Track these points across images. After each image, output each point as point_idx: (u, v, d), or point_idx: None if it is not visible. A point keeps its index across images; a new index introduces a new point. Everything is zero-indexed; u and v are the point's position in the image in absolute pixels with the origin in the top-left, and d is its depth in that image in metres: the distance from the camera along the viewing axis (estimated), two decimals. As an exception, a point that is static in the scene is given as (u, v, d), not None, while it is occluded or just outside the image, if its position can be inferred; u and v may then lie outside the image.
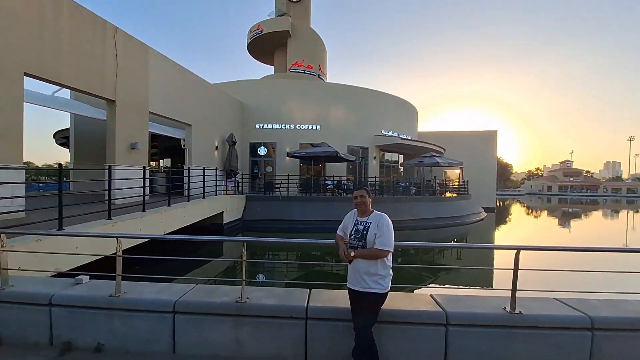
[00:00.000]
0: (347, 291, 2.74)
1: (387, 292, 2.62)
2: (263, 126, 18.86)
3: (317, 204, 15.13)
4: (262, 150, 19.13)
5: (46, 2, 7.11)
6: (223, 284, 3.74)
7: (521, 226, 23.25)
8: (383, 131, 21.04)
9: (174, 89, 12.00)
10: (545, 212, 34.72)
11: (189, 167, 11.32)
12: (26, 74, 6.68)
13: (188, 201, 9.85)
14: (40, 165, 16.00)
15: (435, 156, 19.53)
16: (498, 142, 29.01)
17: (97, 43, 8.43)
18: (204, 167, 11.37)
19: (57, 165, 5.43)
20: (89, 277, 3.48)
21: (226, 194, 13.83)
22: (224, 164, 15.62)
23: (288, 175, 16.09)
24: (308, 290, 3.20)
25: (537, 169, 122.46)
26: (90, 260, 4.95)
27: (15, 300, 3.07)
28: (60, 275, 4.41)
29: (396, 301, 2.92)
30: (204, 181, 11.01)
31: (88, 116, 11.53)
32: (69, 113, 13.22)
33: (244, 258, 3.09)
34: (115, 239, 3.20)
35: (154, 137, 15.80)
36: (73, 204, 6.17)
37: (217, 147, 15.42)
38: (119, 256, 3.12)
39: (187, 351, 2.92)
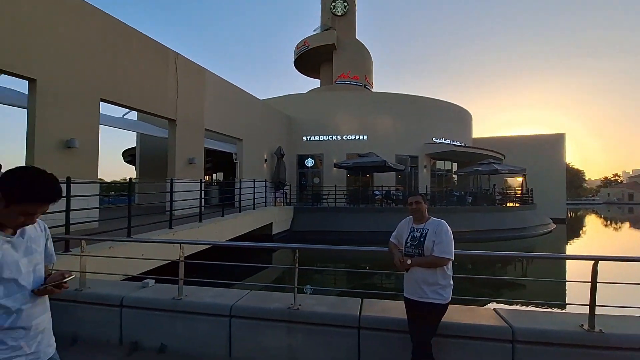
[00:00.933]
0: (400, 302, 2.61)
1: (448, 304, 2.45)
2: (310, 138, 19.24)
3: (365, 214, 14.90)
4: (309, 162, 19.47)
5: (119, 35, 8.06)
6: (275, 291, 3.78)
7: (599, 239, 20.61)
8: (434, 139, 20.26)
9: (226, 106, 12.81)
10: (627, 224, 30.30)
11: (240, 180, 11.87)
12: (102, 100, 7.57)
13: (239, 212, 10.29)
14: (108, 181, 17.96)
15: (493, 163, 18.22)
16: (566, 146, 26.33)
17: (160, 68, 9.33)
18: (254, 180, 11.85)
19: (124, 181, 6.02)
20: (154, 281, 3.75)
21: (275, 205, 14.22)
22: (273, 176, 16.13)
23: (335, 186, 16.12)
24: (360, 299, 3.11)
25: (615, 175, 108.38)
26: (154, 266, 5.37)
27: (91, 301, 3.38)
28: (128, 279, 4.81)
29: (456, 314, 2.71)
30: (254, 193, 11.46)
31: (152, 135, 12.71)
32: (135, 133, 14.70)
33: (296, 265, 3.11)
34: (178, 245, 3.42)
35: (208, 152, 16.88)
36: (139, 214, 6.77)
37: (266, 160, 16.02)
38: (182, 261, 3.32)
39: (242, 355, 2.98)
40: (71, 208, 4.75)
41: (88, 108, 7.19)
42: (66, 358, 2.99)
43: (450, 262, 2.44)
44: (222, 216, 9.08)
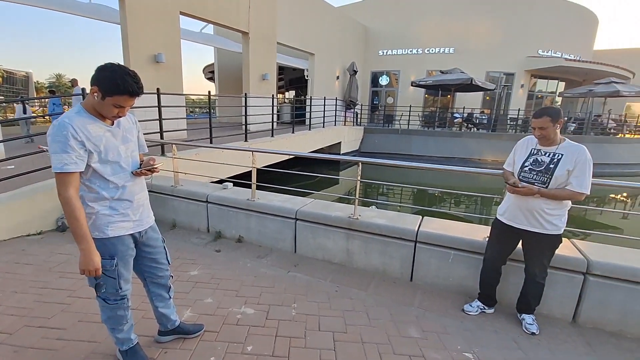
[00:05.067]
0: (460, 222, 2.52)
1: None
2: (387, 52, 17.60)
3: (440, 139, 13.95)
4: (384, 80, 18.22)
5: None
6: (337, 202, 3.99)
7: None
8: (540, 51, 16.69)
9: (298, 18, 12.18)
10: None
11: (310, 97, 11.82)
12: (181, 13, 7.77)
13: (309, 130, 10.50)
14: (194, 99, 19.51)
15: (616, 82, 14.50)
16: None
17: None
18: (324, 97, 11.68)
19: (206, 96, 6.48)
20: (232, 184, 4.23)
21: (344, 125, 14.11)
22: (344, 95, 15.66)
23: (410, 106, 15.07)
24: (420, 217, 3.12)
25: None
26: (233, 173, 6.04)
27: (183, 196, 4.01)
28: (213, 182, 5.53)
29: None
30: (324, 111, 11.42)
31: (228, 49, 12.97)
32: (213, 47, 15.15)
33: (358, 178, 3.16)
34: (251, 152, 3.71)
35: (280, 69, 16.85)
36: (219, 127, 7.41)
37: (338, 77, 15.44)
38: (254, 167, 3.63)
39: (305, 253, 3.36)
40: (163, 117, 5.37)
41: (170, 22, 7.49)
42: (169, 236, 3.78)
43: None
44: (293, 132, 9.41)
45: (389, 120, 16.26)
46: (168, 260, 1.84)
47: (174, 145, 4.20)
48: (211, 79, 19.64)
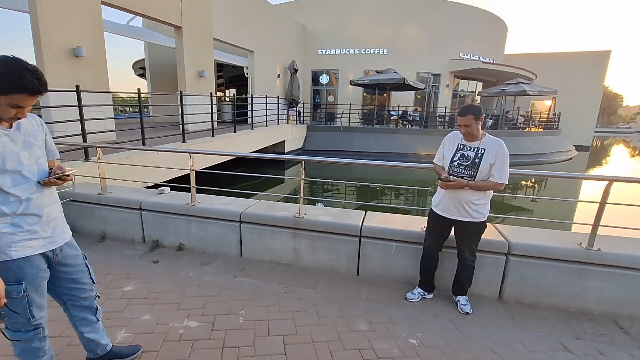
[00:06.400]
0: (401, 215, 2.68)
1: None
2: (326, 52, 17.92)
3: (379, 135, 14.63)
4: (324, 79, 18.53)
5: None
6: (283, 202, 3.96)
7: (619, 170, 19.97)
8: (461, 54, 18.47)
9: (235, 14, 11.79)
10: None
11: (252, 95, 11.55)
12: (103, 3, 7.01)
13: (252, 129, 10.26)
14: (124, 97, 17.82)
15: (523, 83, 16.65)
16: (609, 66, 23.67)
17: (161, -35, 8.34)
18: (266, 95, 11.50)
19: (136, 94, 5.95)
20: (169, 188, 3.95)
21: (287, 123, 14.06)
22: (286, 93, 15.60)
23: (350, 104, 15.56)
24: (364, 212, 3.22)
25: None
26: (169, 177, 5.67)
27: (113, 204, 3.63)
28: (146, 188, 5.11)
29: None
30: (266, 109, 11.24)
31: (159, 44, 12.07)
32: (143, 42, 13.99)
33: (302, 177, 3.16)
34: (188, 154, 3.49)
35: (219, 67, 16.20)
36: (153, 127, 6.86)
37: (279, 75, 15.30)
38: (192, 170, 3.42)
39: (251, 256, 3.27)
40: (85, 118, 4.80)
41: (90, 12, 6.71)
42: (98, 250, 3.40)
43: None
44: (235, 132, 9.10)
45: (330, 118, 16.60)
46: (92, 279, 1.64)
47: (98, 149, 3.78)
48: (142, 75, 18.09)
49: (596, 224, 2.54)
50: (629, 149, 33.27)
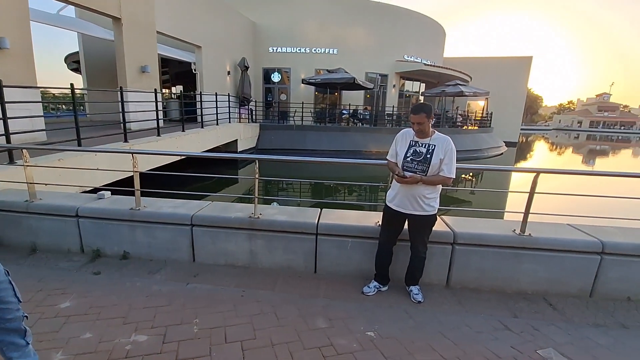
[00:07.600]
0: (356, 211, 2.75)
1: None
2: (277, 49, 17.73)
3: (331, 133, 14.86)
4: (275, 77, 18.30)
5: None
6: (238, 203, 3.85)
7: (541, 162, 22.55)
8: (405, 56, 19.45)
9: (181, 7, 11.16)
10: (569, 150, 32.97)
11: (200, 93, 11.03)
12: (25, -13, 6.20)
13: (202, 127, 9.82)
14: (55, 94, 15.90)
15: (460, 85, 18.13)
16: (531, 70, 26.52)
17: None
18: (215, 93, 11.06)
19: (69, 89, 5.36)
20: (110, 192, 3.63)
21: (239, 122, 13.69)
22: (237, 91, 15.16)
23: (302, 103, 15.58)
24: (319, 209, 3.25)
25: (570, 102, 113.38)
26: (110, 180, 5.19)
27: (44, 212, 3.26)
28: (84, 193, 4.65)
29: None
30: (216, 107, 10.82)
31: (95, 36, 11.00)
32: (76, 34, 12.67)
33: (256, 176, 3.10)
34: (131, 155, 3.24)
35: (164, 62, 15.25)
36: (90, 126, 6.25)
37: (229, 73, 14.82)
38: (136, 172, 3.18)
39: (205, 260, 3.14)
40: (8, 116, 4.22)
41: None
42: (27, 264, 3.03)
43: None
44: (183, 131, 8.64)
45: (283, 117, 16.47)
46: (17, 298, 1.45)
47: (24, 150, 3.36)
48: (77, 70, 16.35)
49: (527, 212, 2.84)
50: (548, 144, 38.00)
